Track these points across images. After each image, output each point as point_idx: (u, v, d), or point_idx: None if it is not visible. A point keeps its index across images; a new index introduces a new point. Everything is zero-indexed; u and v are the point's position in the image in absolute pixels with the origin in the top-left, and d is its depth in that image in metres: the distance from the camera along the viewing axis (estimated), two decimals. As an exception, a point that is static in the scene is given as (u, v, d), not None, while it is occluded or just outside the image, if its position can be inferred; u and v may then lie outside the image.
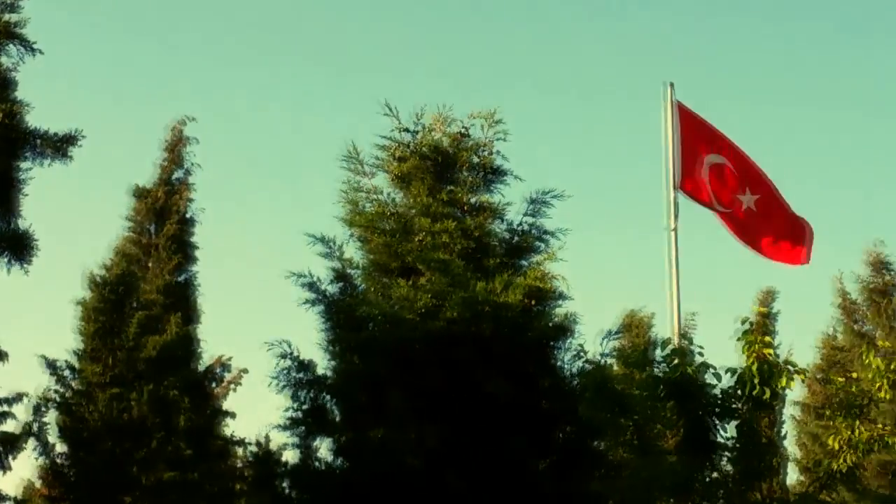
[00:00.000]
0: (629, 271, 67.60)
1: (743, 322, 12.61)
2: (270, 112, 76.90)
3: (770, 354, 12.32)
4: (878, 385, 12.23)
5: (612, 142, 73.01)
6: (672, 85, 18.19)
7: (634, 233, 65.97)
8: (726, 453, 12.86)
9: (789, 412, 35.44)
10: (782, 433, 36.33)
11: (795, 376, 12.36)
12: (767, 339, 12.54)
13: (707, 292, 58.53)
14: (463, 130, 16.36)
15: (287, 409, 15.33)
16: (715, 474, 13.01)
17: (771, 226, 18.22)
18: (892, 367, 12.22)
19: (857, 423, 12.28)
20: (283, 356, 15.37)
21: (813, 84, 74.30)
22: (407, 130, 16.38)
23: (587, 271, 62.58)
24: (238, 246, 69.67)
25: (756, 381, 12.23)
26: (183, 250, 27.90)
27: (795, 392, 38.15)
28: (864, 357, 12.64)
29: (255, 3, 78.14)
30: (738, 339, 12.57)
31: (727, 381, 12.60)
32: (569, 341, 15.34)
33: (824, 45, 74.77)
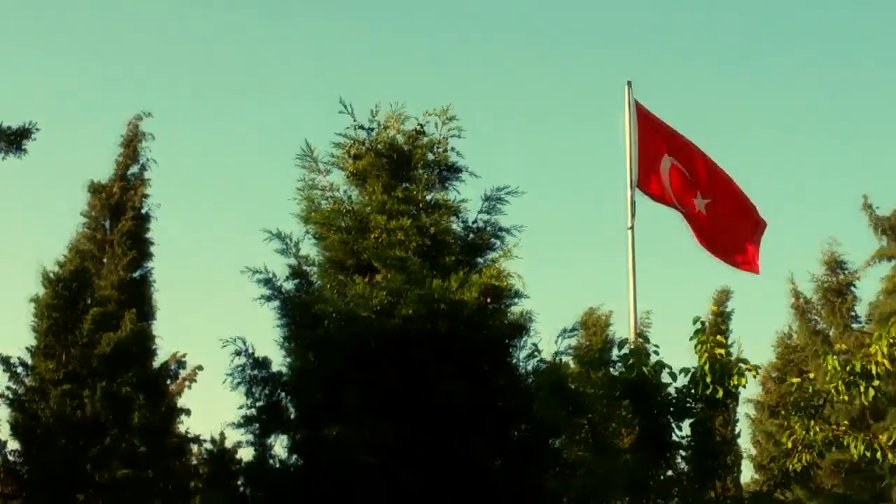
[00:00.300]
0: (591, 270, 67.79)
1: (695, 322, 12.65)
2: (230, 107, 76.57)
3: (722, 354, 12.36)
4: (833, 385, 12.29)
5: (573, 140, 73.15)
6: (630, 84, 18.22)
7: (595, 231, 66.24)
8: (681, 452, 12.90)
9: (744, 410, 35.64)
10: (737, 431, 36.58)
11: (748, 373, 12.40)
12: (720, 338, 12.56)
13: (669, 290, 58.78)
14: (418, 128, 16.34)
15: (242, 407, 15.28)
16: (670, 473, 13.03)
17: (722, 230, 18.28)
18: (847, 368, 12.28)
19: (813, 422, 12.34)
20: (239, 353, 15.29)
21: (765, 81, 74.68)
22: (362, 128, 16.35)
23: (549, 269, 62.69)
24: (196, 242, 69.34)
25: (709, 380, 12.28)
26: (138, 246, 27.72)
27: (750, 390, 38.40)
28: (820, 359, 12.72)
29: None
30: (691, 339, 12.62)
31: (682, 380, 12.65)
32: (525, 339, 15.37)
33: (781, 46, 75.22)
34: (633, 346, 13.03)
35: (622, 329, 34.44)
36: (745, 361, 12.59)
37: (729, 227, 18.23)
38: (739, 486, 35.91)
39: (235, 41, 77.80)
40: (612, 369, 13.17)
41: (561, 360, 15.55)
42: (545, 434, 15.03)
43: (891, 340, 12.10)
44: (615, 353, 13.40)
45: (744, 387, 12.51)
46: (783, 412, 13.00)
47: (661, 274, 61.59)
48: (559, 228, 69.99)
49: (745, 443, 36.50)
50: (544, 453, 15.17)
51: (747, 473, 36.24)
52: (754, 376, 12.59)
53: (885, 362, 12.08)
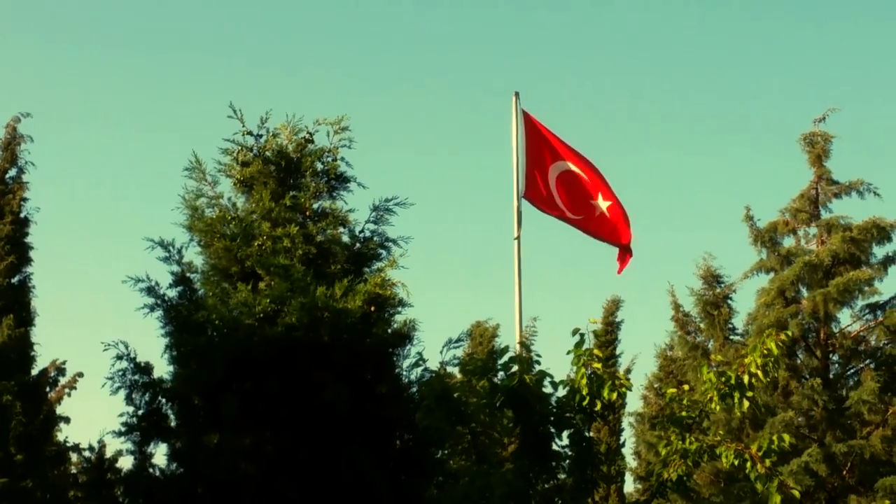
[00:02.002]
0: (480, 280, 68.13)
1: (574, 334, 12.74)
2: (116, 111, 75.54)
3: (598, 367, 12.45)
4: (709, 396, 12.46)
5: (463, 151, 73.44)
6: (518, 94, 18.37)
7: (485, 241, 66.59)
8: (562, 462, 12.97)
9: (629, 421, 36.05)
10: (622, 441, 36.99)
11: (621, 389, 12.51)
12: (597, 351, 12.65)
13: (563, 300, 59.23)
14: (308, 136, 16.27)
15: (122, 414, 15.13)
16: (550, 483, 13.09)
17: (623, 232, 18.59)
18: (722, 379, 12.46)
19: (689, 433, 12.48)
20: (120, 357, 15.15)
21: (656, 94, 75.81)
22: (251, 134, 16.23)
23: (438, 280, 62.89)
24: (80, 246, 68.35)
25: (585, 392, 12.38)
26: (17, 251, 27.15)
27: (634, 402, 38.91)
28: (697, 371, 12.94)
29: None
30: (569, 353, 12.70)
31: (563, 391, 12.73)
32: (408, 349, 15.42)
33: (666, 58, 76.38)
34: (514, 355, 13.07)
35: (509, 340, 34.68)
36: (619, 377, 12.71)
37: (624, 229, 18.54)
38: (623, 496, 36.41)
39: (121, 46, 76.88)
40: (496, 378, 13.19)
41: (446, 369, 15.61)
42: (428, 443, 15.08)
43: (765, 352, 12.30)
44: (499, 362, 13.44)
45: (614, 400, 12.59)
46: (660, 423, 13.15)
47: (554, 283, 62.10)
48: (449, 239, 70.26)
49: (629, 454, 37.02)
50: (427, 462, 15.23)
51: (631, 483, 36.76)
52: (624, 393, 12.69)
53: (759, 373, 12.28)
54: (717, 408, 12.54)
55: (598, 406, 12.45)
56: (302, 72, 74.59)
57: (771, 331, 12.47)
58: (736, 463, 12.19)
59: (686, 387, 12.84)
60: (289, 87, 71.40)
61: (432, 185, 70.94)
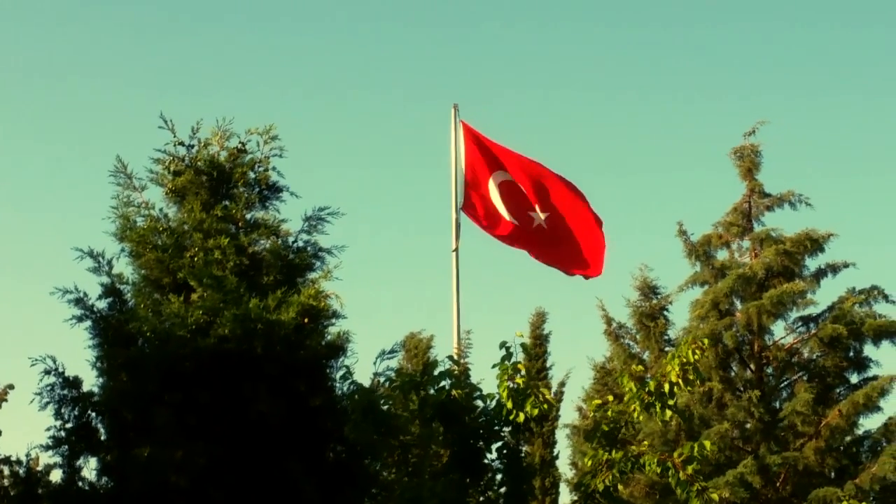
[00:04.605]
0: (418, 292, 68.12)
1: (501, 347, 12.79)
2: (48, 122, 74.86)
3: (521, 381, 12.50)
4: (632, 408, 12.56)
5: (402, 163, 73.44)
6: (457, 107, 18.49)
7: (423, 253, 66.62)
8: (492, 476, 13.01)
9: (564, 433, 36.14)
10: (556, 453, 37.05)
11: (543, 406, 12.58)
12: (520, 365, 12.70)
13: (497, 311, 59.30)
14: (240, 146, 16.26)
15: (49, 429, 14.99)
16: (482, 496, 13.13)
17: (565, 241, 18.65)
18: (646, 389, 12.57)
19: (614, 444, 12.56)
20: (48, 372, 15.01)
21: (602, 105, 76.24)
22: (182, 144, 16.18)
23: (375, 292, 62.79)
24: (13, 257, 67.67)
25: (510, 405, 12.44)
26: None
27: (569, 414, 38.97)
28: (619, 382, 13.05)
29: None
30: (494, 367, 12.75)
31: (492, 404, 12.77)
32: (342, 360, 15.39)
33: (605, 71, 76.82)
34: (447, 370, 13.12)
35: (444, 351, 34.67)
36: (542, 393, 12.78)
37: (568, 238, 18.60)
38: (556, 508, 36.50)
39: (61, 58, 76.24)
40: (426, 392, 13.22)
41: (379, 381, 15.60)
42: (361, 456, 15.06)
43: (683, 360, 12.41)
44: (430, 375, 13.45)
45: (537, 415, 12.65)
46: (589, 434, 13.23)
47: (490, 294, 62.19)
48: (387, 251, 70.20)
49: (566, 464, 37.13)
50: (360, 475, 15.18)
51: (567, 495, 36.87)
52: (544, 409, 12.75)
53: (680, 382, 12.39)
54: (641, 417, 12.65)
55: (521, 418, 12.51)
56: (235, 82, 74.15)
57: (688, 339, 12.61)
58: (659, 471, 12.30)
59: (610, 397, 12.93)
60: (221, 97, 70.88)
61: (370, 196, 70.85)
